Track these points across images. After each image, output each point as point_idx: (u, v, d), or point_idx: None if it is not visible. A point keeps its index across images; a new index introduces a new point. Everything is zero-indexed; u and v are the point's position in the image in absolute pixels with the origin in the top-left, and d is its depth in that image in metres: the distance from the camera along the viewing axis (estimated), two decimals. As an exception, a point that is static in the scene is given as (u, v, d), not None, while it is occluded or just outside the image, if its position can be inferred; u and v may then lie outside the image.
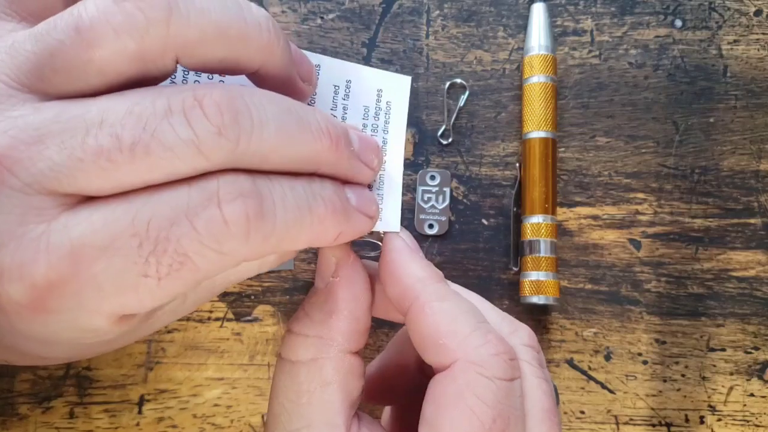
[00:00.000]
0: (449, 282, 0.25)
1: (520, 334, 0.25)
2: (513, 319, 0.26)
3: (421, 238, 0.36)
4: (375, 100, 0.26)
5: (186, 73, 0.23)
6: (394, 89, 0.26)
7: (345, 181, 0.23)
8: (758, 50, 0.37)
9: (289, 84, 0.22)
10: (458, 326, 0.22)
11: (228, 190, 0.18)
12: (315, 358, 0.23)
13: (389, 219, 0.26)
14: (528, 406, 0.23)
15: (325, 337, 0.23)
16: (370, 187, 0.25)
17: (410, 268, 0.24)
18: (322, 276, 0.24)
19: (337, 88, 0.25)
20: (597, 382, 0.35)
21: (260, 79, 0.21)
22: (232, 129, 0.18)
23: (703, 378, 0.35)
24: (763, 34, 0.37)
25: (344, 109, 0.26)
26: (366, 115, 0.26)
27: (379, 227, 0.25)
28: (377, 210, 0.24)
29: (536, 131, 0.35)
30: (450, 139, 0.36)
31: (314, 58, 0.25)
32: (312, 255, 0.36)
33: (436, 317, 0.22)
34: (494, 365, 0.21)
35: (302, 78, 0.23)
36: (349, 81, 0.26)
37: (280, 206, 0.19)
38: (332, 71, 0.25)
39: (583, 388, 0.35)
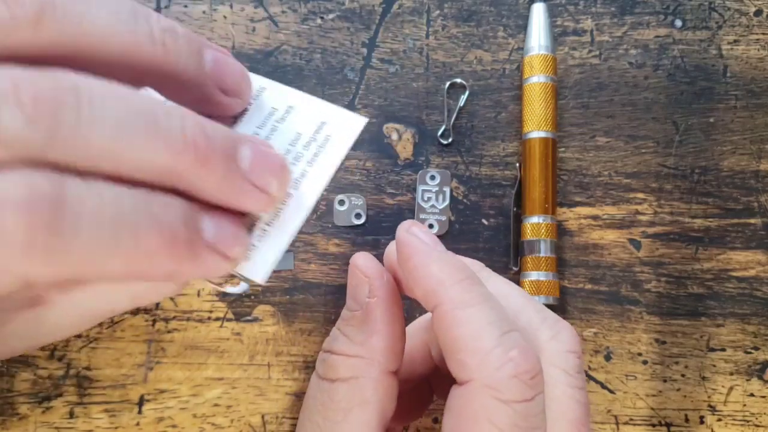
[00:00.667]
0: (485, 269, 0.23)
1: (561, 338, 0.24)
2: (556, 319, 0.25)
3: (421, 238, 0.36)
4: (313, 130, 0.23)
5: None
6: (342, 126, 0.23)
7: (214, 206, 0.19)
8: (758, 50, 0.37)
9: (204, 96, 0.20)
10: (479, 342, 0.20)
11: (15, 189, 0.15)
12: (356, 377, 0.23)
13: (256, 263, 0.21)
14: (554, 416, 0.22)
15: (366, 357, 0.23)
16: (252, 224, 0.21)
17: (429, 268, 0.22)
18: (356, 297, 0.24)
19: (274, 110, 0.23)
20: (597, 381, 0.35)
21: (162, 88, 0.19)
22: (48, 120, 0.15)
23: (703, 378, 0.35)
24: (763, 34, 0.37)
25: (272, 129, 0.23)
26: (294, 142, 0.22)
27: (242, 270, 0.21)
28: (241, 251, 0.19)
29: (536, 131, 0.35)
30: (450, 139, 0.36)
31: (262, 81, 0.23)
32: (312, 255, 0.36)
33: (458, 330, 0.21)
34: (512, 388, 0.20)
35: (225, 91, 0.21)
36: (291, 107, 0.23)
37: (87, 221, 0.16)
38: (277, 95, 0.23)
39: (583, 388, 0.35)
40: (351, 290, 0.25)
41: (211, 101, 0.21)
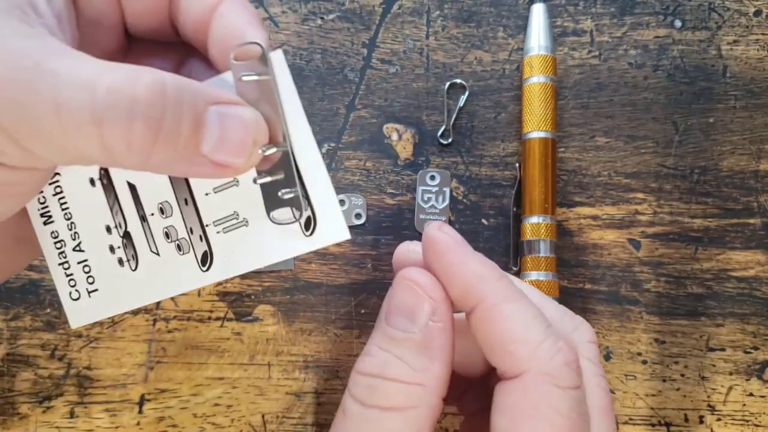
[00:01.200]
0: (507, 274, 0.23)
1: (581, 330, 0.24)
2: (572, 314, 0.25)
3: (421, 237, 0.36)
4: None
5: None
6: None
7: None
8: (758, 50, 0.37)
9: None
10: (530, 333, 0.21)
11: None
12: (414, 407, 0.22)
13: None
14: (588, 404, 0.22)
15: (428, 385, 0.22)
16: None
17: (469, 265, 0.22)
18: (415, 318, 0.22)
19: None
20: (596, 381, 0.35)
21: None
22: None
23: (703, 378, 0.35)
24: (763, 34, 0.37)
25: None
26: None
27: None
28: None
29: (536, 131, 0.35)
30: (450, 140, 0.36)
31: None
32: (312, 255, 0.36)
33: (507, 323, 0.21)
34: (567, 376, 0.21)
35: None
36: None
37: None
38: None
39: (582, 388, 0.35)
40: (405, 308, 0.23)
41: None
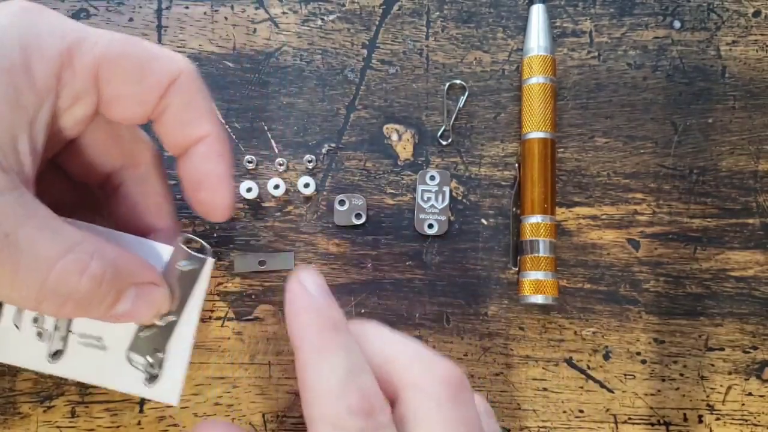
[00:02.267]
0: (383, 331, 0.24)
1: (434, 370, 0.24)
2: (432, 357, 0.24)
3: (421, 238, 0.36)
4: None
5: None
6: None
7: None
8: (757, 51, 0.37)
9: None
10: (323, 384, 0.22)
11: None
12: None
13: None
14: None
15: None
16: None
17: (299, 317, 0.23)
18: None
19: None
20: (596, 381, 0.35)
21: None
22: None
23: (702, 377, 0.35)
24: (762, 35, 0.37)
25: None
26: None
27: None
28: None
29: (535, 132, 0.35)
30: (450, 140, 0.37)
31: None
32: (312, 255, 0.36)
33: (306, 373, 0.22)
34: (349, 423, 0.21)
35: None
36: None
37: None
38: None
39: (581, 387, 0.35)
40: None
41: None
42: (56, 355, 0.29)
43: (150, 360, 0.29)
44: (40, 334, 0.29)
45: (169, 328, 0.29)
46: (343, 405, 0.21)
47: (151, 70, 0.26)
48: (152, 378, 0.29)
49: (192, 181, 0.28)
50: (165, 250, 0.28)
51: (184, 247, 0.28)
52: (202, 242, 0.29)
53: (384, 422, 0.22)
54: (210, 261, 0.29)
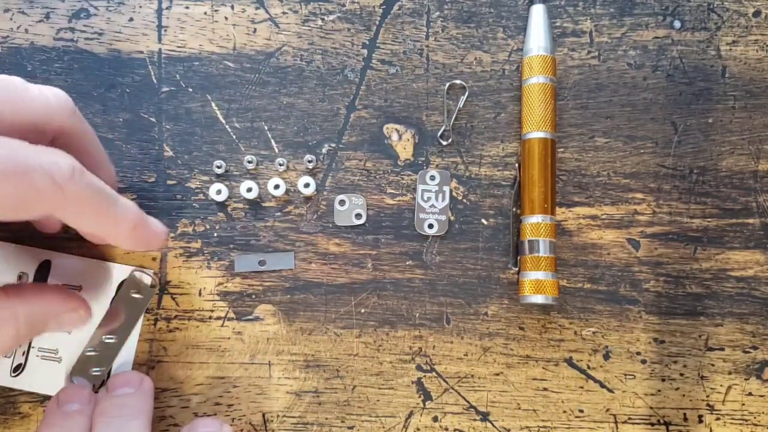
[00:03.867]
0: None
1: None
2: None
3: (421, 237, 0.36)
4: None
5: None
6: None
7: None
8: (757, 51, 0.37)
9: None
10: None
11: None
12: None
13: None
14: None
15: None
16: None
17: None
18: None
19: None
20: (596, 381, 0.35)
21: None
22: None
23: (702, 377, 0.35)
24: (762, 34, 0.37)
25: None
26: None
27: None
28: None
29: (535, 132, 0.35)
30: (450, 140, 0.37)
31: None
32: (313, 255, 0.36)
33: None
34: None
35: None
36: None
37: None
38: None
39: (581, 387, 0.35)
40: None
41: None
42: (17, 369, 0.31)
43: (91, 379, 0.33)
44: None
45: (113, 348, 0.33)
46: None
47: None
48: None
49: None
50: (121, 271, 0.33)
51: (140, 278, 0.33)
52: (151, 275, 0.33)
53: None
54: (154, 290, 0.34)
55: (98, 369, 0.33)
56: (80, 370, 0.33)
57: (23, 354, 0.32)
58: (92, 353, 0.33)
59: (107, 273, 0.33)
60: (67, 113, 0.28)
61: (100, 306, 0.33)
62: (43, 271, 0.33)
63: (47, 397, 0.34)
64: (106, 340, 0.33)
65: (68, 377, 0.32)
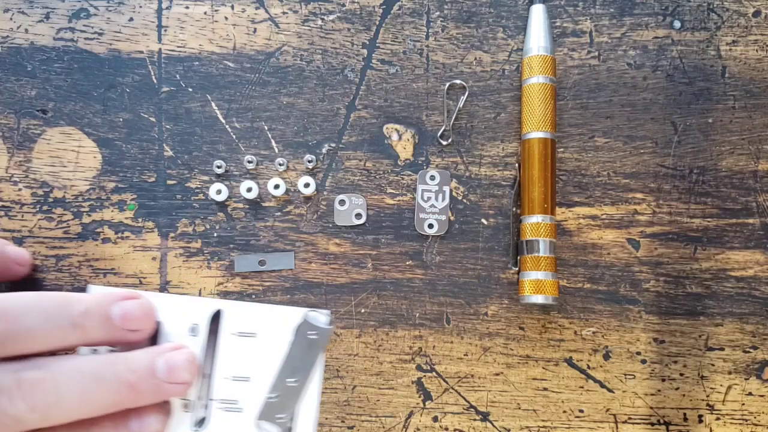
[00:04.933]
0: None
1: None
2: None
3: (421, 237, 0.36)
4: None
5: None
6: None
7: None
8: (756, 51, 0.37)
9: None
10: None
11: None
12: None
13: None
14: None
15: None
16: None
17: None
18: None
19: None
20: (596, 381, 0.35)
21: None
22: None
23: (702, 377, 0.35)
24: (762, 34, 0.37)
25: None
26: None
27: None
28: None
29: (535, 132, 0.35)
30: (450, 140, 0.37)
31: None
32: (313, 255, 0.36)
33: None
34: None
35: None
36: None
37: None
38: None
39: (581, 387, 0.35)
40: None
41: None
42: (201, 423, 0.31)
43: (278, 426, 0.31)
44: (186, 405, 0.30)
45: (295, 392, 0.31)
46: None
47: None
48: None
49: None
50: (296, 314, 0.32)
51: (314, 318, 0.31)
52: (326, 314, 0.32)
53: None
54: (332, 329, 0.33)
55: (282, 415, 0.31)
56: (266, 418, 0.31)
57: (204, 407, 0.31)
58: (274, 399, 0.31)
59: (280, 317, 0.31)
60: None
61: (278, 351, 0.31)
62: (215, 322, 0.31)
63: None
64: (289, 384, 0.31)
65: (256, 425, 0.31)
